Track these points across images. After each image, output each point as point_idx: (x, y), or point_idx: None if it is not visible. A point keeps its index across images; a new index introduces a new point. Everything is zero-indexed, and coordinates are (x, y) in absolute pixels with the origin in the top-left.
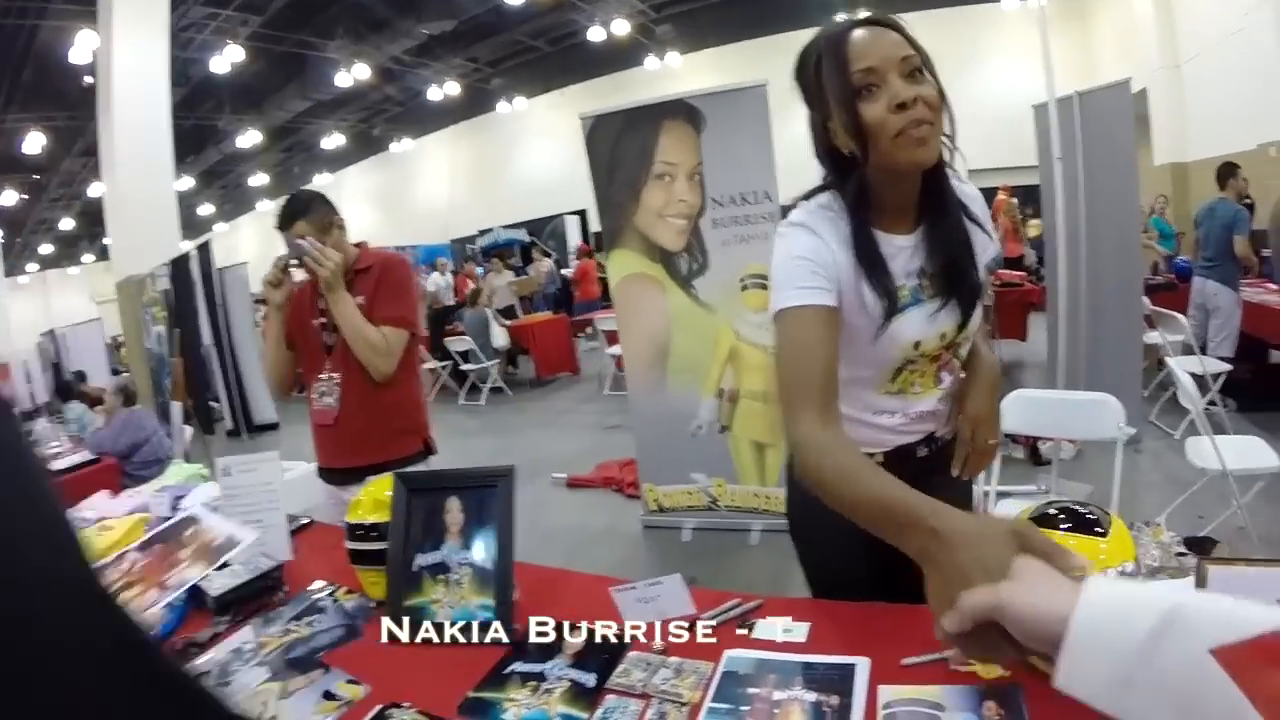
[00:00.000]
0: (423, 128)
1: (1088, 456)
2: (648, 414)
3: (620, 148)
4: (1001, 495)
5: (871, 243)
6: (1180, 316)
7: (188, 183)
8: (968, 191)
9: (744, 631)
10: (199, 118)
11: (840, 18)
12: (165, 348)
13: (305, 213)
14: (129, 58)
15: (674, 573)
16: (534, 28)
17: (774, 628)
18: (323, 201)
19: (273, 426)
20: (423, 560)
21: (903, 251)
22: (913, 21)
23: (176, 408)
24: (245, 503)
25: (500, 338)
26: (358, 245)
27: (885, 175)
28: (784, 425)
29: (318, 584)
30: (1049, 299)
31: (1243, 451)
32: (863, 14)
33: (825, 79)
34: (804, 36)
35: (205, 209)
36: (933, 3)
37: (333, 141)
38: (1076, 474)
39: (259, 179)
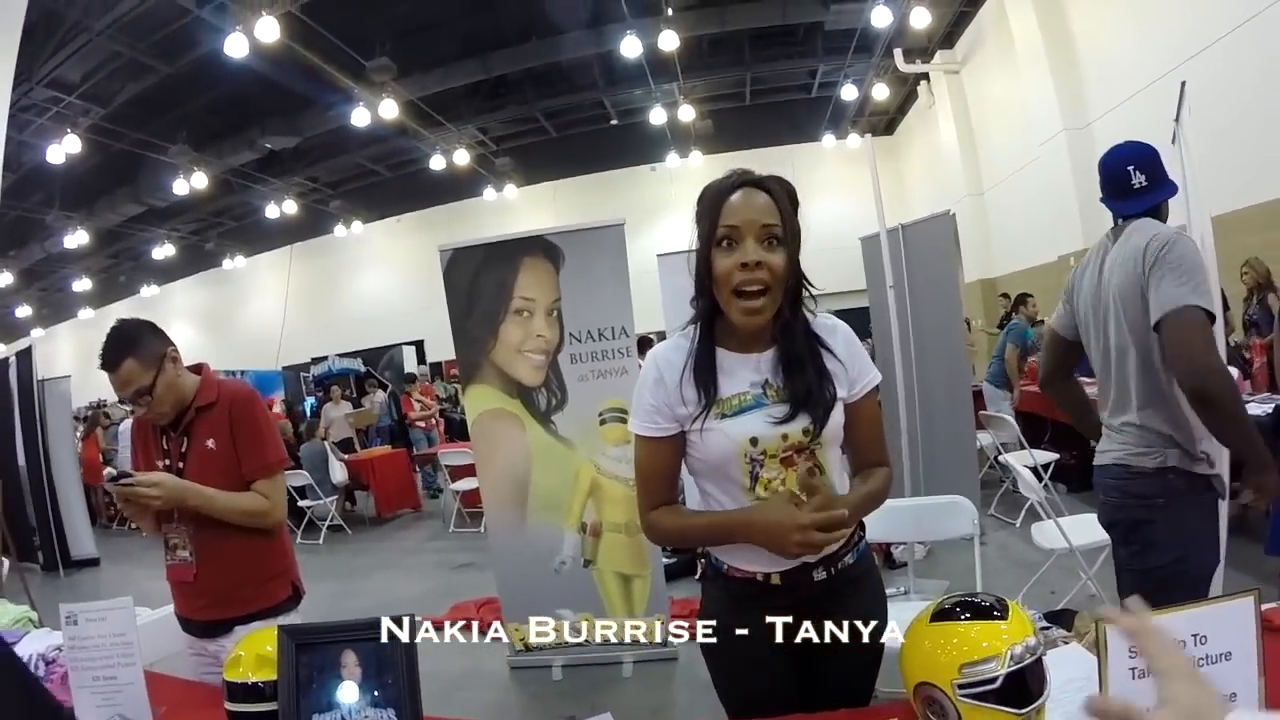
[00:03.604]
0: (257, 245)
1: (937, 555)
2: (509, 552)
3: (479, 282)
4: None
5: (707, 368)
6: (1008, 417)
7: (6, 279)
8: (827, 325)
9: None
10: (26, 210)
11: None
12: None
13: (134, 349)
14: None
15: (549, 713)
16: (376, 152)
17: None
18: (151, 332)
19: (93, 562)
20: None
21: (747, 364)
22: (746, 159)
23: None
24: (94, 656)
25: (339, 472)
26: (196, 369)
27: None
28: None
29: None
30: (886, 414)
31: (1083, 528)
32: (736, 169)
33: (698, 222)
34: (637, 174)
35: (22, 311)
36: (760, 142)
37: (163, 251)
38: (931, 572)
39: (83, 284)
